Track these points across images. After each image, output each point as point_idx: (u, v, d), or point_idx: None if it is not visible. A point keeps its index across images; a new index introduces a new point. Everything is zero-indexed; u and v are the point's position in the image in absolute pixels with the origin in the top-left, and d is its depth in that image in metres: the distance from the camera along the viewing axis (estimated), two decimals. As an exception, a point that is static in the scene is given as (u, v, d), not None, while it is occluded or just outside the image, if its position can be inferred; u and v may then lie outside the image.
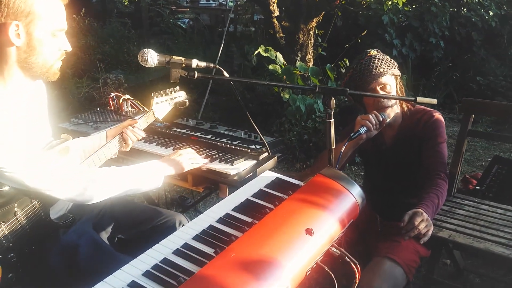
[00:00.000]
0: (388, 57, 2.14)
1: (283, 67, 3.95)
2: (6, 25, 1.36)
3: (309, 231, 1.30)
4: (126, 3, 10.22)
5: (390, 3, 4.26)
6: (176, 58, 1.53)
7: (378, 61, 2.09)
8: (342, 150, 1.86)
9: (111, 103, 2.69)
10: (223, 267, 1.12)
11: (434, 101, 1.86)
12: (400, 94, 2.21)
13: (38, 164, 1.41)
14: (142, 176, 1.67)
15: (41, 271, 1.55)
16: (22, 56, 1.42)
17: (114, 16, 8.46)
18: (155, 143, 2.17)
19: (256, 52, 3.99)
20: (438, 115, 2.15)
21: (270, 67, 3.90)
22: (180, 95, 2.09)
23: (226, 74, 1.62)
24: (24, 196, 1.47)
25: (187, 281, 1.08)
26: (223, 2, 10.22)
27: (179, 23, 9.15)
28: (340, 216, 1.44)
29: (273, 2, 4.37)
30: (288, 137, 4.01)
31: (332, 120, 1.71)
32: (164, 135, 2.28)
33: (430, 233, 1.83)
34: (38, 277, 1.55)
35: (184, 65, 1.54)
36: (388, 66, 2.09)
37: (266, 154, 1.96)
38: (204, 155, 1.99)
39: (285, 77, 3.88)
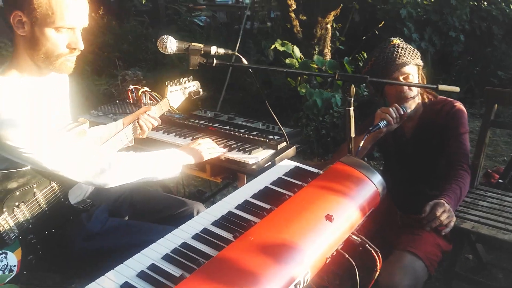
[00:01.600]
0: (411, 46, 2.11)
1: (300, 61, 3.92)
2: (10, 13, 1.38)
3: (329, 217, 1.28)
4: (143, 1, 10.31)
5: (409, -5, 4.20)
6: (195, 44, 1.53)
7: (401, 50, 2.05)
8: (361, 145, 1.83)
9: (130, 96, 2.70)
10: (242, 250, 1.11)
11: (456, 89, 1.82)
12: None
13: (55, 146, 1.43)
14: (160, 164, 1.67)
15: (63, 255, 1.57)
16: (27, 45, 1.43)
17: (132, 15, 8.52)
18: (174, 134, 2.18)
19: (273, 46, 3.96)
20: (459, 105, 2.11)
21: (287, 61, 3.88)
22: (194, 85, 2.10)
23: (245, 61, 1.61)
24: (43, 177, 1.49)
25: (206, 263, 1.07)
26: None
27: (196, 20, 9.17)
28: (361, 203, 1.42)
29: (290, -4, 4.35)
30: (305, 132, 3.98)
31: (351, 108, 1.69)
32: (182, 126, 2.28)
33: (452, 224, 1.78)
34: (60, 261, 1.57)
35: (202, 51, 1.54)
36: (411, 55, 2.05)
37: (284, 143, 1.95)
38: (222, 145, 1.98)
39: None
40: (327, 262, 1.26)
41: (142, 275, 1.10)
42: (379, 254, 1.36)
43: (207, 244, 1.22)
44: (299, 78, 3.96)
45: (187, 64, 1.56)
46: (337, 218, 1.29)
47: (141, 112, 1.91)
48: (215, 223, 1.31)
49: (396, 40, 2.14)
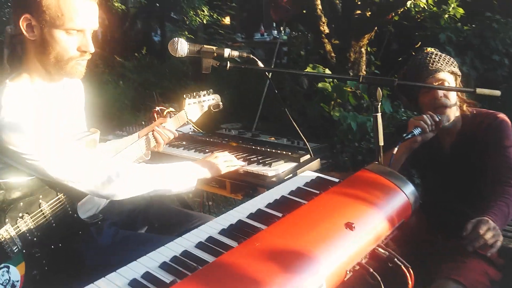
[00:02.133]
0: (446, 55, 1.95)
1: (332, 84, 3.81)
2: (19, 17, 1.35)
3: (349, 225, 1.13)
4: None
5: (446, 16, 4.02)
6: (207, 47, 1.46)
7: (435, 56, 1.91)
8: (394, 152, 1.68)
9: (156, 117, 2.66)
10: (245, 255, 0.98)
11: (497, 92, 1.66)
12: (461, 96, 2.00)
13: (60, 153, 1.37)
14: (173, 176, 1.58)
15: (71, 271, 1.48)
16: (37, 50, 1.40)
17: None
18: (194, 150, 2.09)
19: (305, 71, 3.88)
20: (503, 116, 1.91)
21: (320, 85, 3.77)
22: (214, 98, 2.03)
23: (260, 64, 1.52)
24: (49, 188, 1.42)
25: (202, 268, 0.94)
26: (277, 36, 10.31)
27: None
28: (388, 213, 1.26)
29: (323, 22, 4.28)
30: (340, 158, 3.81)
31: (379, 114, 1.56)
32: (203, 142, 2.19)
33: (499, 244, 1.56)
34: (67, 277, 1.47)
35: (215, 54, 1.46)
36: (446, 62, 1.90)
37: (308, 156, 1.81)
38: (242, 159, 1.87)
39: (335, 94, 3.73)
40: (347, 277, 1.10)
41: (133, 284, 0.99)
42: (411, 271, 1.19)
43: (210, 253, 1.10)
44: (332, 102, 3.84)
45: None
46: (358, 226, 1.14)
47: (157, 124, 1.85)
48: (222, 232, 1.19)
49: (430, 49, 2.00)
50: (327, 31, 4.20)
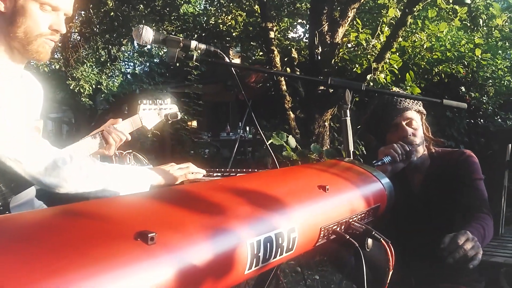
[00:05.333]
0: None
1: (297, 151, 3.80)
2: None
3: (322, 187, 1.03)
4: (149, 135, 10.68)
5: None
6: (173, 36, 1.42)
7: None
8: None
9: (114, 159, 2.53)
10: (209, 189, 0.84)
11: (464, 105, 1.67)
12: (427, 134, 2.01)
13: (7, 127, 1.23)
14: (126, 177, 1.42)
15: None
16: (5, 22, 1.33)
17: (136, 148, 8.72)
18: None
19: (269, 142, 3.87)
20: (470, 152, 1.93)
21: (284, 153, 3.75)
22: (171, 107, 1.93)
23: (227, 59, 1.49)
24: None
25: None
26: (243, 135, 10.55)
27: (200, 151, 9.34)
28: (363, 192, 1.17)
29: (288, 101, 4.41)
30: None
31: (348, 118, 1.51)
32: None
33: (479, 257, 1.46)
34: None
35: (181, 44, 1.42)
36: (413, 101, 1.94)
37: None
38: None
39: (300, 163, 3.70)
40: (321, 238, 0.96)
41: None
42: (390, 245, 1.06)
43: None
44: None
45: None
46: (332, 191, 1.03)
47: (107, 125, 1.71)
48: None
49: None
50: (290, 104, 4.32)
